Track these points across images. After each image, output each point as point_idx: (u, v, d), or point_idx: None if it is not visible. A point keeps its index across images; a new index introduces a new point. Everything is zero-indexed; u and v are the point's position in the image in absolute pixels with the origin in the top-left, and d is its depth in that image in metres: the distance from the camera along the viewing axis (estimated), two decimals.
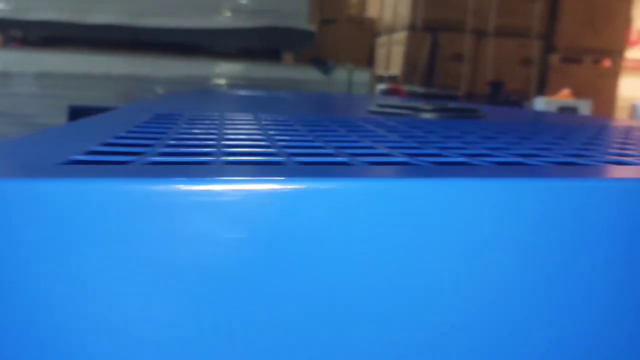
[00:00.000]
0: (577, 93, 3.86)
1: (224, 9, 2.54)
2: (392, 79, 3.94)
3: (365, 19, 4.57)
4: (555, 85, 4.17)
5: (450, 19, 4.00)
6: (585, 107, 3.40)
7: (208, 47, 2.59)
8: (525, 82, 4.23)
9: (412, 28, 3.98)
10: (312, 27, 2.66)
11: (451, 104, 0.60)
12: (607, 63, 4.33)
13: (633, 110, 2.59)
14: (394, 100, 0.72)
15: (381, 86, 3.42)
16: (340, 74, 2.64)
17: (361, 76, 2.70)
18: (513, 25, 4.13)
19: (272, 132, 0.35)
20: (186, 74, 2.45)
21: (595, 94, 4.04)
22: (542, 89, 4.23)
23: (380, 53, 4.59)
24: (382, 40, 4.56)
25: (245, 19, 2.56)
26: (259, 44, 2.64)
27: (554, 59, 4.22)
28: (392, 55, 4.38)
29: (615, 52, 4.27)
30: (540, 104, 3.54)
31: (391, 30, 4.37)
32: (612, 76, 4.33)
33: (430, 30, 3.96)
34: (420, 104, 0.53)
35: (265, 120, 0.42)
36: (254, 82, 2.56)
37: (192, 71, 2.46)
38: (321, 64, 2.63)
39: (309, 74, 2.61)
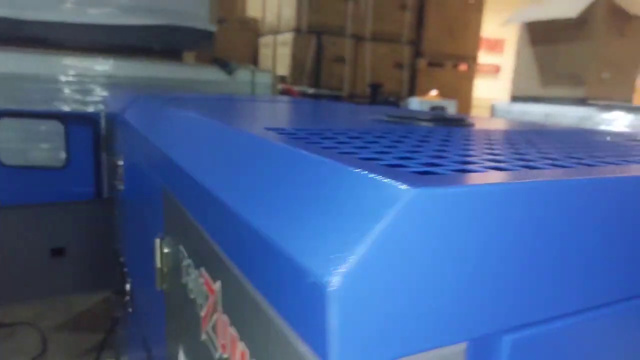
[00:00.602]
0: (442, 93, 4.40)
1: (120, 5, 2.43)
2: (280, 79, 4.06)
3: (249, 19, 4.63)
4: (423, 86, 4.70)
5: (332, 24, 4.26)
6: (451, 106, 3.90)
7: (104, 45, 2.45)
8: (398, 84, 4.68)
9: (297, 30, 4.14)
10: (213, 27, 2.67)
11: (446, 115, 0.74)
12: (463, 67, 4.99)
13: (492, 110, 3.07)
14: (399, 111, 0.84)
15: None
16: (243, 75, 2.69)
17: (263, 77, 2.78)
18: (386, 32, 4.53)
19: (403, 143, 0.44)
20: (81, 73, 2.29)
21: (456, 94, 4.65)
22: (412, 90, 4.72)
23: (265, 53, 4.68)
24: (265, 40, 4.66)
25: (144, 16, 2.48)
26: (158, 42, 2.57)
27: (422, 63, 4.73)
28: (278, 56, 4.50)
29: (470, 58, 4.96)
30: (414, 104, 3.96)
31: (276, 31, 4.48)
32: (468, 78, 5.02)
33: (314, 33, 4.16)
34: (420, 114, 0.66)
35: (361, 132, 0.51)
36: (155, 82, 2.50)
37: (88, 70, 2.31)
38: (224, 64, 2.65)
39: (212, 75, 2.62)
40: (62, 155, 1.77)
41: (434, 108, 3.77)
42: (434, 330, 0.24)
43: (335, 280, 0.21)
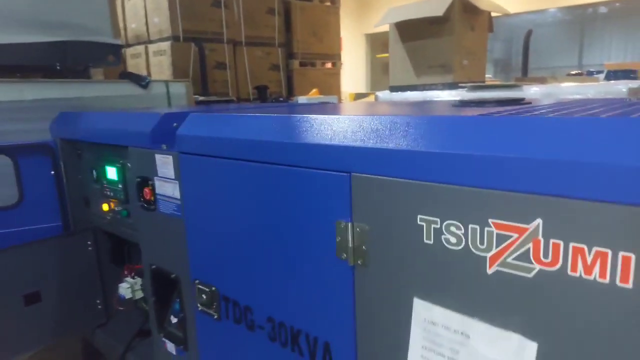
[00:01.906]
0: (318, 90, 4.73)
1: (18, 22, 2.19)
2: None
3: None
4: (299, 85, 4.98)
5: (208, 30, 4.26)
6: (334, 101, 4.24)
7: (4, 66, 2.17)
8: (277, 84, 4.88)
9: (176, 39, 4.05)
10: (118, 40, 2.55)
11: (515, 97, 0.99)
12: (329, 65, 5.41)
13: (376, 99, 3.48)
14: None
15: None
16: (157, 87, 2.63)
17: (178, 88, 2.74)
18: (260, 36, 4.68)
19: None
20: None
21: (329, 90, 5.04)
22: (290, 89, 4.97)
23: (135, 63, 4.47)
24: (134, 50, 4.45)
25: (45, 33, 2.29)
26: (63, 60, 2.37)
27: (295, 63, 5.00)
28: (152, 65, 4.34)
29: (335, 56, 5.38)
30: (303, 101, 4.22)
31: (146, 41, 4.31)
32: (336, 75, 5.44)
33: (193, 40, 4.12)
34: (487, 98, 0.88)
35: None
36: (67, 104, 2.30)
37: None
38: (138, 78, 2.57)
39: (127, 90, 2.52)
40: (14, 191, 1.59)
41: (322, 104, 4.05)
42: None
43: None
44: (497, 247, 0.59)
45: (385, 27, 3.97)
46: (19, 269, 1.50)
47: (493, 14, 3.65)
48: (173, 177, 1.12)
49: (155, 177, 1.18)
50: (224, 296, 1.05)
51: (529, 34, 3.67)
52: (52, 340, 1.61)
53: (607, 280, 0.50)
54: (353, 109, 1.17)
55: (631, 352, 0.50)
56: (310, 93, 4.53)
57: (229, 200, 0.98)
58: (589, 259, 0.51)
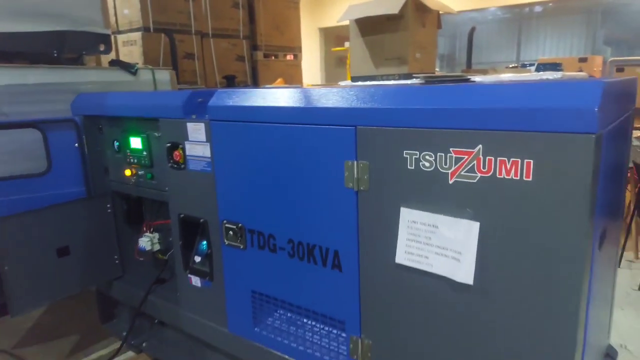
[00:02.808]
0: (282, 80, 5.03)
1: (20, 12, 2.38)
2: None
3: None
4: (263, 76, 5.26)
5: (178, 22, 4.46)
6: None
7: (6, 53, 2.35)
8: (243, 75, 5.14)
9: (146, 29, 4.23)
10: (108, 30, 2.77)
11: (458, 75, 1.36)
12: (291, 57, 5.72)
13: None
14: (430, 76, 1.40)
15: None
16: (144, 74, 2.86)
17: (162, 75, 2.98)
18: (225, 28, 4.92)
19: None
20: None
21: (290, 80, 5.36)
22: (255, 79, 5.24)
23: None
24: None
25: (44, 23, 2.48)
26: (60, 47, 2.57)
27: (259, 55, 5.27)
28: (123, 54, 4.48)
29: (296, 48, 5.70)
30: None
31: (117, 31, 4.45)
32: (297, 66, 5.76)
33: (163, 32, 4.30)
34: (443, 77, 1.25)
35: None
36: (65, 88, 2.51)
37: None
38: (126, 66, 2.79)
39: (118, 76, 2.74)
40: (43, 161, 1.82)
41: None
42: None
43: None
44: (455, 165, 0.95)
45: (337, 22, 4.33)
46: (52, 226, 1.75)
47: (440, 12, 4.10)
48: (204, 140, 1.42)
49: (186, 142, 1.48)
50: (250, 229, 1.37)
51: (472, 30, 4.13)
52: (78, 289, 1.87)
53: (518, 177, 0.88)
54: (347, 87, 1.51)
55: (534, 214, 0.88)
56: (275, 82, 4.83)
57: (255, 154, 1.30)
58: (508, 166, 0.89)
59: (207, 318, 1.58)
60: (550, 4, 12.15)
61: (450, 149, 0.95)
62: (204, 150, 1.43)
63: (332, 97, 1.15)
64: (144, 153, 1.69)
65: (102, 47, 2.77)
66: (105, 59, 3.15)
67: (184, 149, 1.49)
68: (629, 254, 2.96)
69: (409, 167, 1.02)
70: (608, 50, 9.76)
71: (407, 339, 1.11)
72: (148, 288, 1.80)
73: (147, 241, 1.79)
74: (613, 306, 1.51)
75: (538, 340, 0.92)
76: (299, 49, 5.76)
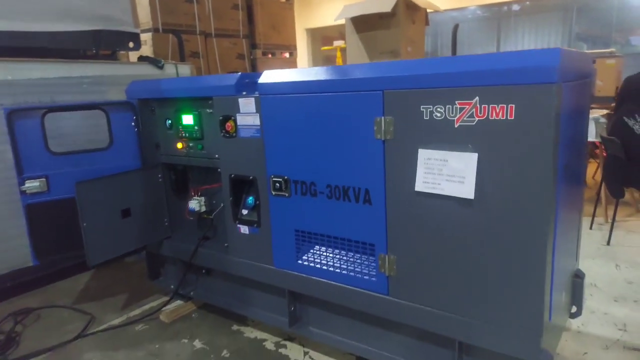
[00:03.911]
0: None
1: (63, 13, 2.70)
2: None
3: None
4: None
5: (184, 24, 4.78)
6: None
7: (52, 49, 2.67)
8: (243, 72, 5.48)
9: (156, 30, 4.55)
10: (137, 30, 3.10)
11: None
12: (286, 55, 6.07)
13: None
14: None
15: None
16: (169, 69, 3.20)
17: (184, 69, 3.32)
18: (226, 28, 5.26)
19: None
20: (43, 76, 2.54)
21: None
22: None
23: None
24: None
25: (84, 23, 2.80)
26: (97, 44, 2.89)
27: (258, 53, 5.62)
28: (135, 54, 4.79)
29: (291, 47, 6.06)
30: None
31: None
32: (293, 64, 6.12)
33: (171, 32, 4.63)
34: None
35: None
36: (104, 80, 2.84)
37: (48, 73, 2.57)
38: (154, 61, 3.13)
39: (147, 70, 3.08)
40: (106, 138, 2.16)
41: None
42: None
43: None
44: (459, 113, 1.32)
45: (324, 23, 4.64)
46: (118, 191, 2.08)
47: (428, 10, 4.51)
48: (254, 111, 1.77)
49: (237, 114, 1.83)
50: (294, 180, 1.73)
51: (456, 27, 4.54)
52: (138, 245, 2.20)
53: (504, 118, 1.25)
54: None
55: (516, 144, 1.25)
56: None
57: (299, 119, 1.66)
58: (497, 110, 1.26)
59: (255, 259, 1.93)
60: (528, 2, 12.67)
61: (456, 102, 1.32)
62: (254, 120, 1.79)
63: (362, 70, 1.52)
64: (196, 127, 2.03)
65: (131, 45, 3.09)
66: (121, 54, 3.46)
67: (235, 121, 1.84)
68: (600, 219, 3.38)
69: (424, 118, 1.39)
70: (584, 46, 10.25)
71: (423, 249, 1.47)
72: (197, 243, 2.14)
73: (196, 203, 2.13)
74: (580, 240, 1.89)
75: (519, 238, 1.29)
76: (294, 47, 6.13)
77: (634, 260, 2.71)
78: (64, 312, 2.40)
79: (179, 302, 2.34)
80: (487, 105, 1.28)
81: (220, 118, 1.89)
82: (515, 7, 13.07)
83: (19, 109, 1.97)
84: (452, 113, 1.34)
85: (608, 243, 2.98)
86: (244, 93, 1.82)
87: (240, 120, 1.83)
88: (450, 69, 1.34)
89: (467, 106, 1.31)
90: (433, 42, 11.75)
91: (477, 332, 1.41)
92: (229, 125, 1.87)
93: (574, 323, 2.03)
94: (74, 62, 2.67)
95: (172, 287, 2.37)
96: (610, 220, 3.17)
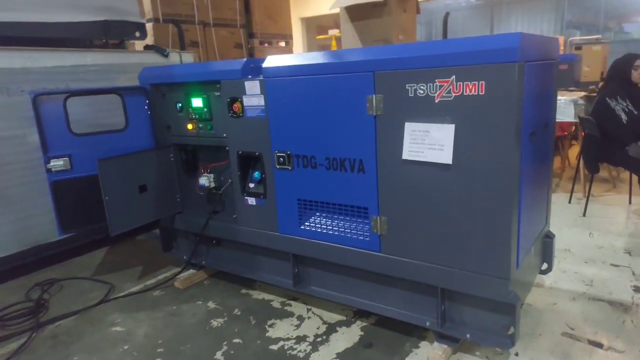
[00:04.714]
0: None
1: (71, 5, 2.87)
2: None
3: None
4: None
5: (183, 13, 4.95)
6: None
7: (63, 39, 2.85)
8: None
9: (156, 20, 4.71)
10: (143, 20, 3.28)
11: None
12: (282, 44, 6.25)
13: None
14: None
15: None
16: (174, 57, 3.39)
17: (188, 57, 3.50)
18: (224, 18, 5.42)
19: None
20: (58, 64, 2.73)
21: None
22: None
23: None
24: None
25: (90, 14, 2.98)
26: (106, 34, 3.07)
27: (255, 42, 5.79)
28: (137, 43, 4.96)
29: (288, 36, 6.24)
30: None
31: None
32: (289, 52, 6.30)
33: (171, 22, 4.79)
34: None
35: None
36: (114, 68, 3.03)
37: (63, 62, 2.76)
38: (160, 50, 3.31)
39: (153, 59, 3.27)
40: (122, 120, 2.36)
41: None
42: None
43: None
44: (439, 90, 1.54)
45: (318, 12, 4.78)
46: (135, 168, 2.29)
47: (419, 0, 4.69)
48: (259, 93, 1.98)
49: (244, 96, 2.03)
50: (296, 155, 1.94)
51: (446, 15, 4.73)
52: (153, 218, 2.41)
53: (476, 93, 1.47)
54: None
55: (486, 115, 1.47)
56: None
57: (299, 99, 1.87)
58: (470, 86, 1.47)
59: (261, 227, 2.15)
60: None
61: (436, 80, 1.53)
62: (259, 101, 1.99)
63: (355, 54, 1.73)
64: (205, 109, 2.24)
65: (137, 34, 3.28)
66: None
67: (242, 102, 2.05)
68: (578, 194, 3.62)
69: (409, 95, 1.60)
70: (577, 33, 10.43)
71: (409, 210, 1.70)
72: (208, 216, 2.35)
73: (205, 179, 2.34)
74: (550, 204, 2.12)
75: (490, 197, 1.51)
76: (290, 36, 6.31)
77: (605, 229, 2.95)
78: (84, 282, 2.62)
79: (191, 271, 2.56)
80: (462, 83, 1.49)
81: (228, 100, 2.10)
82: None
83: (44, 93, 2.16)
84: (433, 90, 1.55)
85: (584, 214, 3.22)
86: (250, 77, 2.02)
87: (247, 101, 2.04)
88: (431, 51, 1.55)
89: (445, 84, 1.52)
90: (427, 31, 11.90)
91: (456, 279, 1.64)
92: (236, 106, 2.08)
93: (547, 280, 2.27)
94: (86, 51, 2.86)
95: (184, 257, 2.59)
96: (584, 195, 3.41)
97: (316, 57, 1.84)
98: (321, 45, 11.55)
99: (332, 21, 11.34)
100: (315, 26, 12.16)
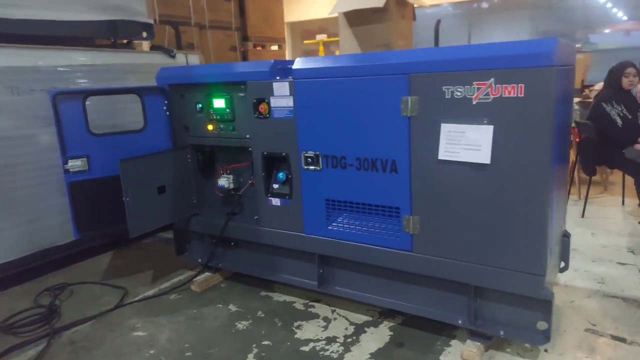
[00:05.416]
0: None
1: (80, 3, 2.83)
2: None
3: None
4: None
5: (180, 15, 4.92)
6: None
7: (64, 38, 2.80)
8: None
9: (153, 21, 4.66)
10: (150, 20, 3.25)
11: None
12: (275, 47, 6.26)
13: None
14: None
15: None
16: (180, 58, 3.37)
17: (194, 59, 3.49)
18: (220, 21, 5.41)
19: None
20: (65, 64, 2.68)
21: None
22: None
23: None
24: None
25: (99, 13, 2.94)
26: (114, 34, 3.04)
27: (249, 45, 5.79)
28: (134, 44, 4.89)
29: (281, 39, 6.26)
30: None
31: None
32: (282, 57, 6.31)
33: (168, 24, 4.75)
34: None
35: None
36: (124, 68, 2.99)
37: (71, 61, 2.71)
38: (167, 50, 3.29)
39: (160, 59, 3.25)
40: (141, 120, 2.33)
41: None
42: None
43: None
44: (476, 92, 1.58)
45: (304, 16, 4.75)
46: (154, 169, 2.26)
47: (415, 6, 4.77)
48: (288, 94, 1.99)
49: (271, 97, 2.04)
50: (325, 155, 1.96)
51: (438, 23, 4.82)
52: (170, 220, 2.39)
53: (515, 95, 1.51)
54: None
55: (524, 117, 1.51)
56: None
57: (331, 101, 1.88)
58: (510, 89, 1.52)
59: (286, 228, 2.15)
60: (496, 0, 13.04)
61: (473, 83, 1.57)
62: (287, 102, 2.00)
63: (389, 57, 1.76)
64: (227, 110, 2.23)
65: (144, 34, 3.24)
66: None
67: (268, 103, 2.05)
68: (574, 197, 3.74)
69: (446, 97, 1.64)
70: None
71: (443, 209, 1.73)
72: (227, 217, 2.34)
73: (225, 180, 2.33)
74: (566, 205, 2.19)
75: (526, 195, 1.56)
76: (283, 39, 6.33)
77: (606, 229, 3.06)
78: (95, 287, 2.56)
79: (207, 274, 2.54)
80: (501, 85, 1.53)
81: (254, 101, 2.10)
82: (485, 4, 13.39)
83: (63, 92, 2.13)
84: (471, 92, 1.59)
85: (582, 216, 3.32)
86: (277, 78, 2.03)
87: (274, 102, 2.04)
88: (469, 55, 1.59)
89: (483, 86, 1.56)
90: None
91: (490, 277, 1.68)
92: (262, 107, 2.08)
93: (562, 279, 2.34)
94: (95, 50, 2.82)
95: (199, 260, 2.56)
96: (583, 197, 3.52)
97: (349, 60, 1.87)
98: (306, 50, 11.59)
99: (317, 26, 11.40)
100: (300, 31, 12.19)
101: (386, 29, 4.38)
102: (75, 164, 2.16)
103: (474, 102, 1.59)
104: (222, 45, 5.47)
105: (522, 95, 1.51)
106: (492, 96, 1.56)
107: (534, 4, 12.51)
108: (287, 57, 12.31)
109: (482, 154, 1.60)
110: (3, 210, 2.42)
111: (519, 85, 1.50)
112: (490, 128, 1.58)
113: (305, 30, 11.77)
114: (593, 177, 3.54)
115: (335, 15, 4.75)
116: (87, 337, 2.08)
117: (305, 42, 9.42)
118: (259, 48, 5.95)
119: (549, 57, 1.45)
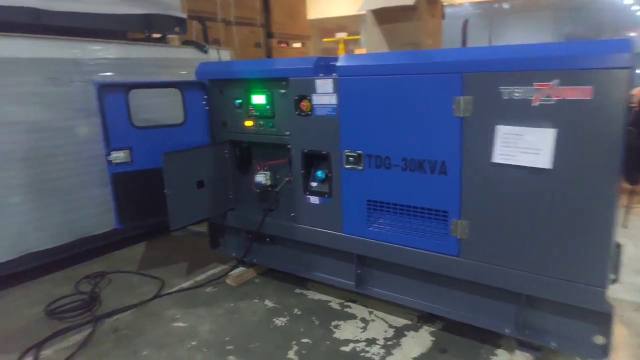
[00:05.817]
0: None
1: None
2: None
3: None
4: None
5: (207, 11, 4.91)
6: None
7: (106, 30, 2.79)
8: None
9: None
10: (184, 15, 3.24)
11: None
12: (298, 44, 6.23)
13: None
14: None
15: None
16: (212, 53, 3.35)
17: (225, 54, 3.47)
18: (245, 17, 5.40)
19: None
20: (102, 56, 2.68)
21: None
22: None
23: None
24: None
25: (134, 6, 2.93)
26: (149, 27, 3.03)
27: (274, 42, 5.77)
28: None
29: (305, 37, 6.22)
30: None
31: None
32: (306, 53, 6.28)
33: (196, 19, 4.75)
34: None
35: None
36: (158, 63, 2.98)
37: (108, 54, 2.71)
38: (199, 45, 3.28)
39: (193, 54, 3.23)
40: (181, 114, 2.32)
41: None
42: None
43: None
44: (536, 93, 1.53)
45: (321, 15, 4.71)
46: (194, 163, 2.25)
47: (444, 4, 4.72)
48: (331, 91, 1.96)
49: (313, 94, 2.01)
50: (368, 155, 1.92)
51: (465, 22, 4.74)
52: (209, 215, 2.38)
53: (582, 98, 1.46)
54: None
55: (591, 121, 1.47)
56: None
57: (377, 99, 1.85)
58: (574, 91, 1.47)
59: (324, 227, 2.12)
60: (517, 1, 12.86)
61: (534, 84, 1.53)
62: (330, 100, 1.97)
63: (441, 55, 1.72)
64: (267, 107, 2.20)
65: (177, 29, 3.23)
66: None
67: (310, 100, 2.03)
68: None
69: (503, 97, 1.59)
70: None
71: (495, 214, 1.69)
72: (264, 213, 2.32)
73: (262, 177, 2.31)
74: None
75: (590, 203, 1.51)
76: (307, 37, 6.28)
77: None
78: (133, 277, 2.57)
79: (241, 269, 2.52)
80: (564, 87, 1.49)
81: (296, 98, 2.07)
82: (506, 5, 13.23)
83: (108, 84, 2.12)
84: (530, 93, 1.54)
85: (625, 226, 3.25)
86: (321, 75, 2.00)
87: (316, 99, 2.01)
88: (530, 54, 1.55)
89: (545, 87, 1.52)
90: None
91: (544, 286, 1.63)
92: (304, 104, 2.05)
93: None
94: (130, 44, 2.82)
95: (233, 255, 2.55)
96: (624, 207, 3.45)
97: (396, 57, 1.83)
98: (325, 48, 11.55)
99: (335, 24, 11.35)
100: (319, 29, 12.15)
101: (415, 27, 4.33)
102: (118, 156, 2.16)
103: (533, 104, 1.55)
104: (247, 41, 5.45)
105: (590, 98, 1.46)
106: (555, 98, 1.51)
107: (558, 5, 12.30)
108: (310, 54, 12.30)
109: (542, 158, 1.56)
110: (47, 199, 2.47)
111: (586, 87, 1.45)
112: (552, 131, 1.54)
113: (323, 28, 11.74)
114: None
115: (356, 13, 4.72)
116: (128, 325, 2.09)
117: (325, 40, 9.37)
118: (283, 45, 5.93)
119: (624, 59, 1.40)
